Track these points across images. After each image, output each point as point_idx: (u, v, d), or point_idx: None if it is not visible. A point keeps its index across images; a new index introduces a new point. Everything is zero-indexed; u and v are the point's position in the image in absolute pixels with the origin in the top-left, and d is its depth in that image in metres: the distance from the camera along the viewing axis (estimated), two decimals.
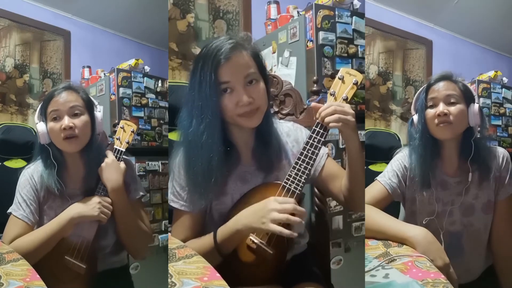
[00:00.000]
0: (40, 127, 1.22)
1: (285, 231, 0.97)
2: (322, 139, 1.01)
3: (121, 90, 2.72)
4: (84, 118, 1.21)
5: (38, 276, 0.97)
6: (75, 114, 1.20)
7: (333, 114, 0.99)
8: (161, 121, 2.88)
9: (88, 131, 1.22)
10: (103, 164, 1.22)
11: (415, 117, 1.26)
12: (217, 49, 1.00)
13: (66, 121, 1.18)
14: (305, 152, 1.02)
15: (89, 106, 1.24)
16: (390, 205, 1.27)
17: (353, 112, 0.99)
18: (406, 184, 1.28)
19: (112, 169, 1.22)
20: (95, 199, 1.20)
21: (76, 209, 1.19)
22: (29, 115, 2.61)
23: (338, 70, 1.05)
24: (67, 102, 1.20)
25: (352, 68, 2.21)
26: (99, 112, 1.27)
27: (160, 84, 2.89)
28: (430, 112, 1.22)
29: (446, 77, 1.24)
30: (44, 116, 1.22)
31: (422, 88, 1.27)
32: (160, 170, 2.74)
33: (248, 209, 1.02)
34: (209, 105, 1.00)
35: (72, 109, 1.20)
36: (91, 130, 1.23)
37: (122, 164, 1.25)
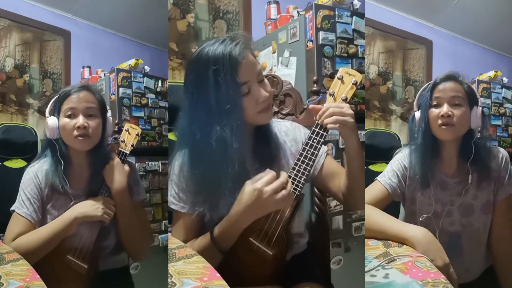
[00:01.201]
0: (51, 121, 1.22)
1: (291, 202, 1.00)
2: (322, 140, 1.01)
3: (121, 90, 2.72)
4: (98, 120, 1.22)
5: (38, 276, 0.97)
6: (89, 115, 1.21)
7: (331, 116, 0.99)
8: (161, 121, 2.88)
9: (99, 133, 1.23)
10: (107, 166, 1.23)
11: (417, 114, 1.26)
12: (229, 52, 0.99)
13: (81, 120, 1.19)
14: (304, 153, 1.02)
15: (103, 109, 1.25)
16: (390, 205, 1.27)
17: (352, 112, 0.99)
18: (406, 184, 1.28)
19: (116, 171, 1.23)
20: (99, 200, 1.21)
21: (80, 209, 1.19)
22: (29, 115, 2.61)
23: (338, 70, 1.04)
24: (85, 102, 1.21)
25: (352, 68, 2.21)
26: (110, 117, 1.28)
27: (160, 84, 2.89)
28: (434, 111, 1.22)
29: (452, 77, 1.24)
30: (57, 111, 1.22)
31: (426, 85, 1.26)
32: (160, 170, 2.74)
33: (239, 205, 1.00)
34: (233, 109, 0.99)
35: (88, 110, 1.21)
36: (101, 133, 1.24)
37: (126, 167, 1.26)
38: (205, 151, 1.02)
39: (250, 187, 0.99)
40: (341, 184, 1.10)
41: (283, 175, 1.00)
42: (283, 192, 0.98)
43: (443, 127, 1.20)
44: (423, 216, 1.26)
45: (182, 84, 1.09)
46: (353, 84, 1.01)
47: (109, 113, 1.29)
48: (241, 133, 1.00)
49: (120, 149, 1.29)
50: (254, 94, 1.01)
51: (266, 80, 1.06)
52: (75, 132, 1.19)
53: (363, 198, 1.13)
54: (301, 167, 1.02)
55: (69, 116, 1.20)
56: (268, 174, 1.00)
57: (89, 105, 1.21)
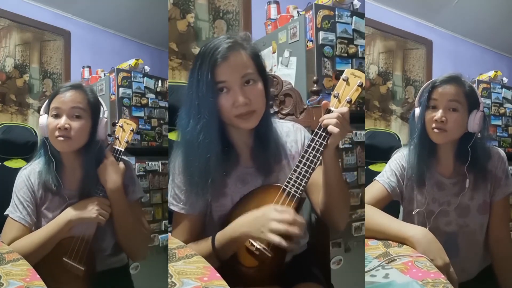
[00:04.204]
0: (42, 120, 1.21)
1: (283, 243, 0.95)
2: (324, 142, 0.98)
3: (121, 90, 2.72)
4: (83, 121, 1.19)
5: (38, 276, 0.97)
6: (75, 116, 1.18)
7: (335, 118, 0.96)
8: (161, 121, 2.88)
9: (84, 135, 1.20)
10: (101, 165, 1.21)
11: (417, 111, 1.25)
12: (215, 48, 1.00)
13: (63, 121, 1.17)
14: (306, 155, 1.00)
15: (94, 110, 1.22)
16: (390, 205, 1.27)
17: (350, 129, 0.98)
18: (404, 183, 1.28)
19: (111, 170, 1.21)
20: (93, 201, 1.19)
21: (74, 211, 1.18)
22: (29, 115, 2.61)
23: (338, 70, 1.03)
24: (70, 102, 1.18)
25: (352, 68, 2.21)
26: (105, 119, 1.24)
27: (160, 84, 2.88)
28: (430, 114, 1.21)
29: (453, 79, 1.21)
30: (48, 110, 1.21)
31: (428, 82, 1.24)
32: (160, 170, 2.74)
33: (246, 216, 1.00)
34: (206, 104, 1.00)
35: (73, 110, 1.18)
36: (89, 135, 1.21)
37: (121, 165, 1.24)
38: (191, 146, 1.02)
39: (266, 206, 0.99)
40: (319, 201, 1.08)
41: (300, 218, 0.97)
42: (285, 226, 0.94)
43: (436, 130, 1.19)
44: (415, 210, 1.26)
45: (182, 84, 1.09)
46: (358, 86, 0.99)
47: (105, 114, 1.25)
48: (209, 130, 1.00)
49: (114, 146, 1.25)
50: (232, 96, 1.00)
51: (257, 86, 1.03)
52: (56, 133, 1.17)
53: (343, 219, 1.12)
54: (303, 169, 1.00)
55: (54, 116, 1.18)
56: (290, 209, 0.98)
57: (75, 105, 1.18)
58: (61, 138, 1.17)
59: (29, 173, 1.24)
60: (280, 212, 0.96)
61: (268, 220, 0.95)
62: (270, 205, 0.99)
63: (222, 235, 1.03)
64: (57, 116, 1.18)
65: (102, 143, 1.26)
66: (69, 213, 1.18)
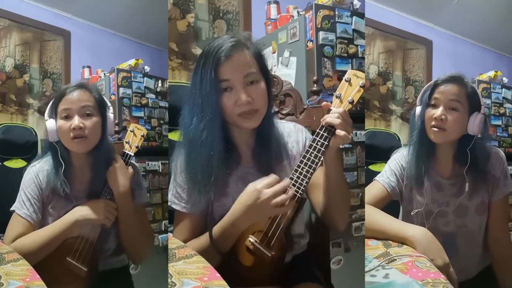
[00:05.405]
0: (50, 124, 1.20)
1: (290, 208, 0.99)
2: (326, 143, 0.98)
3: (121, 90, 2.72)
4: (95, 119, 1.19)
5: (38, 276, 0.97)
6: (86, 114, 1.18)
7: (336, 117, 0.97)
8: (161, 121, 2.88)
9: (98, 132, 1.20)
10: (111, 168, 1.21)
11: (418, 109, 1.25)
12: (218, 47, 1.01)
13: (76, 121, 1.17)
14: (307, 155, 1.00)
15: (101, 107, 1.22)
16: (390, 205, 1.27)
17: (351, 131, 0.99)
18: (404, 183, 1.28)
19: (120, 174, 1.21)
20: (101, 203, 1.19)
21: (81, 211, 1.18)
22: (29, 115, 2.61)
23: (338, 70, 1.03)
24: (79, 101, 1.18)
25: (352, 68, 2.21)
26: (111, 114, 1.25)
27: (160, 84, 2.89)
28: (430, 112, 1.21)
29: (456, 79, 1.21)
30: (54, 113, 1.20)
31: (432, 82, 1.24)
32: (160, 170, 2.74)
33: (239, 205, 1.00)
34: (209, 103, 1.00)
35: (83, 109, 1.18)
36: (101, 132, 1.21)
37: (130, 169, 1.24)
38: (194, 145, 1.03)
39: (251, 187, 0.99)
40: (319, 201, 1.08)
41: (286, 181, 0.99)
42: (283, 196, 0.97)
43: (434, 129, 1.19)
44: (414, 210, 1.26)
45: (182, 84, 1.09)
46: (360, 86, 0.99)
47: (111, 110, 1.26)
48: (212, 128, 1.01)
49: (124, 150, 1.26)
50: (234, 94, 1.01)
51: (260, 85, 1.03)
52: (71, 134, 1.17)
53: (344, 220, 1.12)
54: (304, 169, 1.00)
55: (65, 118, 1.18)
56: (271, 177, 1.00)
57: (84, 103, 1.18)
58: (78, 140, 1.17)
59: (38, 171, 1.23)
60: (267, 186, 0.98)
61: (265, 202, 0.97)
62: (255, 187, 0.99)
63: (219, 227, 1.03)
64: (67, 117, 1.18)
65: (110, 145, 1.26)
66: (76, 213, 1.18)
